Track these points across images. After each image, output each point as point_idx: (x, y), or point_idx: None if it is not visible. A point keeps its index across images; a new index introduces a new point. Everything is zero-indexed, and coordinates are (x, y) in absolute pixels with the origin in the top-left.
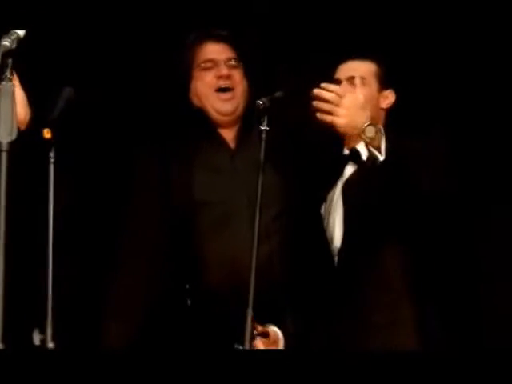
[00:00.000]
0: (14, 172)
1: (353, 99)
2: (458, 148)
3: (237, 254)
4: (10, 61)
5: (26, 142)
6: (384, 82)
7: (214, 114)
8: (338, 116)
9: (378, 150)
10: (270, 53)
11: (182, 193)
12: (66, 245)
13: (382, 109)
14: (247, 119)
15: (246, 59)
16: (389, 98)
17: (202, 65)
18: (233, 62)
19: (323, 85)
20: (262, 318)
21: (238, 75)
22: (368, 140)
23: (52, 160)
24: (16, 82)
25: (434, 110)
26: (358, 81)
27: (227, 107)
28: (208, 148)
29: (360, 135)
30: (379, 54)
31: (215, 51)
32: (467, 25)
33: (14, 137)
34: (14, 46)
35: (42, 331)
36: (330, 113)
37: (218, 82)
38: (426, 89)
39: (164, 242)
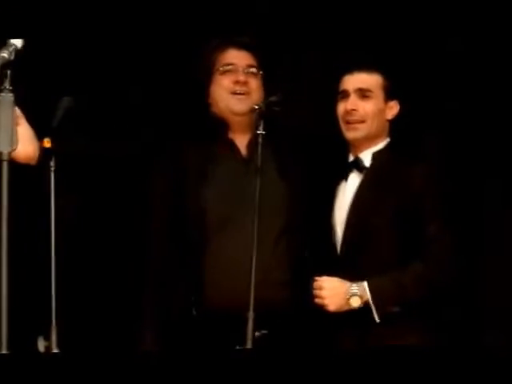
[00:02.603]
0: (15, 181)
1: (329, 282)
2: (457, 154)
3: (239, 264)
4: (8, 72)
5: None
6: (390, 94)
7: (227, 115)
8: (325, 303)
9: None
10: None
11: (192, 201)
12: (69, 252)
13: (388, 120)
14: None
15: (266, 69)
16: (394, 108)
17: (221, 69)
18: (252, 70)
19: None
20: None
21: (255, 83)
22: (357, 307)
23: (52, 169)
24: (22, 119)
25: (434, 119)
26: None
27: (241, 106)
28: (220, 155)
29: (349, 307)
30: (386, 66)
31: (235, 57)
32: (472, 35)
33: (14, 147)
34: (12, 57)
35: (47, 338)
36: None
37: (234, 87)
38: (429, 98)
39: (176, 254)
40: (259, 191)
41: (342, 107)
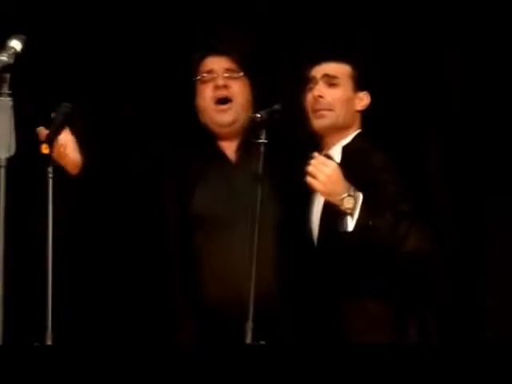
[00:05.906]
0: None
1: (334, 169)
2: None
3: (234, 267)
4: (7, 76)
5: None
6: (359, 84)
7: (213, 127)
8: (318, 181)
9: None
10: (271, 55)
11: (179, 206)
12: (66, 258)
13: (357, 111)
14: (250, 132)
15: (249, 71)
16: (364, 100)
17: (201, 78)
18: (231, 74)
19: (314, 154)
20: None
21: (237, 86)
22: (348, 211)
23: (50, 175)
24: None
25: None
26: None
27: (224, 118)
28: (208, 161)
29: (338, 205)
30: (354, 56)
31: (213, 63)
32: (446, 29)
33: (12, 153)
34: (11, 60)
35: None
36: (313, 176)
37: (215, 93)
38: (401, 92)
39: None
40: (257, 201)
41: (309, 96)
